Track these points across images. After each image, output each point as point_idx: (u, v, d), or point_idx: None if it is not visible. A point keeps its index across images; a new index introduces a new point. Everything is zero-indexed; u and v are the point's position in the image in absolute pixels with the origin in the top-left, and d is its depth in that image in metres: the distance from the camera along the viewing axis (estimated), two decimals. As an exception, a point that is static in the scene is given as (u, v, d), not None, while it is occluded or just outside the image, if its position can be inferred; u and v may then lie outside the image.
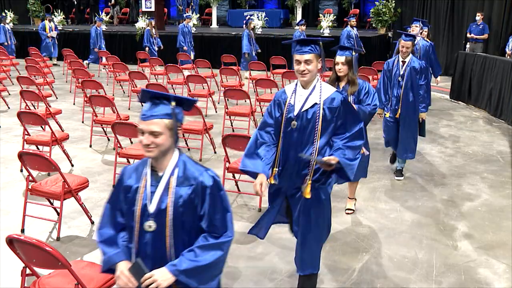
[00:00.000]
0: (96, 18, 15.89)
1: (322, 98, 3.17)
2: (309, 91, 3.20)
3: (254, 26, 13.74)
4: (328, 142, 3.22)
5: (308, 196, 3.22)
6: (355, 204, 5.08)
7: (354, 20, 12.90)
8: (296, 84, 3.27)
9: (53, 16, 17.13)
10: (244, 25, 13.67)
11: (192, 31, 15.41)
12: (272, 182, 3.31)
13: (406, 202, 5.32)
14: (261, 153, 3.23)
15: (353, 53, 4.37)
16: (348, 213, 4.95)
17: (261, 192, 3.16)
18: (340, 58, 4.31)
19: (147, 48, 13.90)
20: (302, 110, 3.18)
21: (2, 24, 15.90)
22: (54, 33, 15.78)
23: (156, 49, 14.15)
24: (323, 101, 3.16)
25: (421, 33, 8.70)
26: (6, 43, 15.60)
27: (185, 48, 13.75)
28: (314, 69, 3.13)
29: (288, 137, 3.24)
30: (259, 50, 13.41)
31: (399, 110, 5.69)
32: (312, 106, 3.17)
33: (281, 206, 3.44)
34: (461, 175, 6.16)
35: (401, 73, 5.64)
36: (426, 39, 8.69)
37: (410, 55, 5.67)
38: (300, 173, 3.26)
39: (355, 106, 4.09)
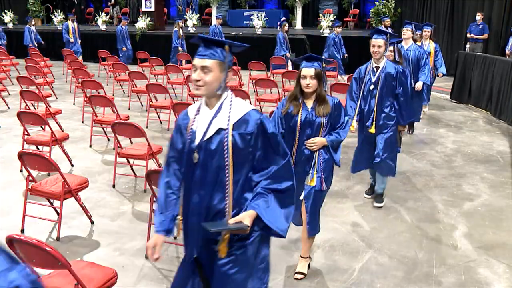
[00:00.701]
0: (122, 17, 15.44)
1: (231, 121, 2.35)
2: (214, 111, 2.38)
3: (288, 29, 13.23)
4: (247, 183, 2.41)
5: (223, 255, 2.36)
6: (308, 266, 3.90)
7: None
8: (201, 103, 2.46)
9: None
10: (278, 27, 13.19)
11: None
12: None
13: (406, 202, 5.32)
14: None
15: (323, 65, 3.58)
16: (297, 278, 3.79)
17: (152, 258, 2.45)
18: (308, 71, 3.50)
19: (180, 49, 13.69)
20: (204, 138, 2.36)
21: (27, 26, 15.66)
22: (78, 38, 15.44)
23: (182, 50, 13.89)
24: (233, 125, 2.35)
25: (421, 35, 8.52)
26: (30, 45, 15.36)
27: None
28: (213, 80, 2.31)
29: (189, 177, 2.42)
30: (288, 54, 12.80)
31: (374, 124, 4.92)
32: (218, 133, 2.35)
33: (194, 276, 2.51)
34: (461, 175, 6.16)
35: (374, 80, 4.84)
36: (430, 41, 8.59)
37: (385, 59, 4.88)
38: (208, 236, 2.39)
39: (325, 140, 3.60)
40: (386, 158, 4.96)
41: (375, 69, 4.87)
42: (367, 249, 4.28)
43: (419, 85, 7.20)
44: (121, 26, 14.55)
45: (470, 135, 8.01)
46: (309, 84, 3.52)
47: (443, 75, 8.80)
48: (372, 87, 4.85)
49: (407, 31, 7.17)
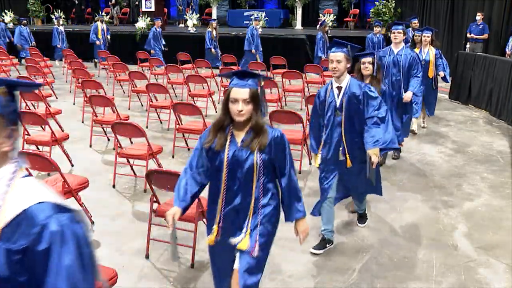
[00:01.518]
0: (154, 18, 15.20)
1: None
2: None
3: (328, 29, 12.97)
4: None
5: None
6: None
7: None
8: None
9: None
10: (318, 27, 12.90)
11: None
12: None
13: (406, 202, 5.32)
14: None
15: (261, 83, 2.68)
16: None
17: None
18: (239, 92, 2.57)
19: (212, 50, 13.42)
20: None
21: (55, 26, 15.53)
22: (107, 40, 15.31)
23: (219, 52, 13.63)
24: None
25: (420, 40, 7.75)
26: (58, 45, 15.24)
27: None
28: None
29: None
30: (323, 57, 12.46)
31: (347, 156, 4.05)
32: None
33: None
34: (461, 175, 6.16)
35: (338, 104, 3.99)
36: (430, 46, 7.75)
37: (348, 76, 3.98)
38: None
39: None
40: (368, 191, 4.51)
41: (336, 90, 3.99)
42: (367, 249, 4.28)
43: (407, 96, 6.13)
44: (155, 28, 14.20)
45: (470, 135, 8.01)
46: (241, 110, 2.56)
47: (443, 78, 8.08)
48: (337, 113, 3.99)
49: (398, 34, 6.20)
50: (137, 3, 19.32)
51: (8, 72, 12.41)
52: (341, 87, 3.95)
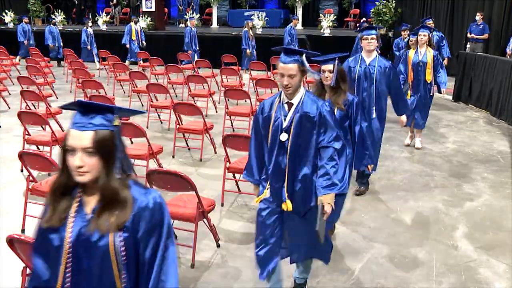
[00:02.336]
0: (188, 17, 15.16)
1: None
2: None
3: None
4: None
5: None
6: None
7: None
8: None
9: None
10: (358, 30, 11.94)
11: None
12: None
13: (407, 202, 5.32)
14: None
15: (115, 122, 1.77)
16: None
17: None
18: (78, 137, 1.69)
19: (248, 51, 13.20)
20: None
21: (84, 28, 15.37)
22: (142, 42, 15.08)
23: (255, 52, 13.43)
24: None
25: (416, 40, 7.04)
26: (88, 47, 15.12)
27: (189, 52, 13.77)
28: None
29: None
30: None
31: (287, 195, 3.09)
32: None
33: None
34: (461, 175, 6.15)
35: (285, 124, 3.04)
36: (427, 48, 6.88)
37: (302, 91, 3.06)
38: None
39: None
40: (311, 253, 3.37)
41: (285, 107, 3.08)
42: (368, 249, 4.28)
43: (403, 119, 5.51)
44: (191, 28, 14.03)
45: (471, 135, 8.01)
46: (80, 166, 1.68)
47: (439, 88, 6.99)
48: (282, 136, 3.03)
49: (372, 40, 5.04)
50: (138, 3, 19.27)
51: (9, 72, 12.42)
52: (292, 104, 3.05)
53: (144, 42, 15.25)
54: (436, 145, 7.45)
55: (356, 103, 3.90)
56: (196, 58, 13.69)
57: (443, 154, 7.00)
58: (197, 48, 14.20)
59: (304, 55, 3.00)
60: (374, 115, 5.09)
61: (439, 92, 7.13)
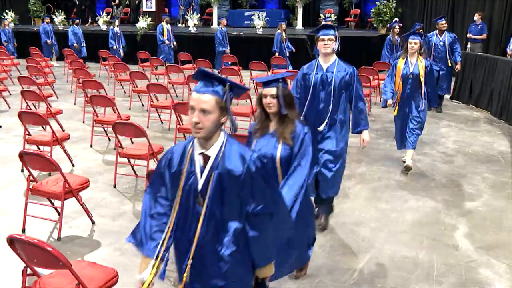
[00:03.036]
0: (220, 17, 14.72)
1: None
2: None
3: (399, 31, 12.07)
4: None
5: None
6: None
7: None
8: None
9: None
10: (389, 30, 11.81)
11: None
12: None
13: (407, 202, 5.32)
14: None
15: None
16: None
17: None
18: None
19: (276, 54, 12.69)
20: None
21: (111, 27, 15.14)
22: (173, 41, 14.57)
23: (288, 54, 12.86)
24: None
25: (405, 48, 6.13)
26: (114, 47, 14.84)
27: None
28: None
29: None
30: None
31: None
32: None
33: None
34: (462, 175, 6.15)
35: (200, 185, 2.27)
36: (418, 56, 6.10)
37: (223, 135, 2.29)
38: None
39: None
40: None
41: (199, 160, 2.27)
42: (368, 249, 4.28)
43: (364, 138, 4.50)
44: (221, 28, 13.93)
45: (471, 135, 8.01)
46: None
47: (433, 103, 6.38)
48: (197, 200, 2.29)
49: (329, 42, 4.20)
50: (137, 2, 19.26)
51: (9, 72, 12.42)
52: (208, 156, 2.24)
53: (175, 43, 14.65)
54: (437, 145, 7.45)
55: (304, 139, 3.10)
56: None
57: (443, 154, 7.00)
58: (228, 48, 13.97)
59: (228, 85, 2.23)
60: (325, 130, 4.31)
61: (429, 108, 6.60)
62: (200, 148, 2.27)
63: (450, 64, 9.47)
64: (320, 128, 4.27)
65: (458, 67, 9.51)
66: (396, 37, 11.34)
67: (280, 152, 3.08)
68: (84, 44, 15.73)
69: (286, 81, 3.18)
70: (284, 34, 12.94)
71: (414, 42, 5.97)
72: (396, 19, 12.70)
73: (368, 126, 4.47)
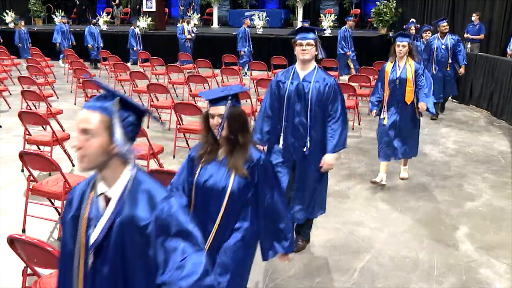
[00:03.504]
0: (243, 17, 14.78)
1: None
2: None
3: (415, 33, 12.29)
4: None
5: None
6: None
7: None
8: None
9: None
10: (411, 31, 10.72)
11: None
12: None
13: (407, 202, 5.32)
14: None
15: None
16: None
17: None
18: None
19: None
20: None
21: (132, 28, 15.08)
22: (192, 36, 14.77)
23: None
24: None
25: (393, 50, 5.51)
26: (135, 48, 14.81)
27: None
28: None
29: None
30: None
31: None
32: None
33: None
34: (462, 175, 6.15)
35: (93, 240, 1.72)
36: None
37: (129, 170, 1.76)
38: None
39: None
40: None
41: (101, 204, 1.76)
42: (368, 249, 4.28)
43: (328, 163, 3.86)
44: (244, 28, 13.91)
45: (471, 135, 8.01)
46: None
47: (427, 110, 5.51)
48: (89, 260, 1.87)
49: (307, 47, 3.74)
50: (138, 7, 19.23)
51: (9, 72, 12.42)
52: (109, 199, 1.73)
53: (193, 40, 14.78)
54: (437, 145, 7.45)
55: (264, 167, 2.61)
56: (251, 60, 13.40)
57: (443, 154, 7.00)
58: (251, 49, 13.94)
59: (118, 99, 1.69)
60: (307, 148, 3.81)
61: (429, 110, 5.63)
62: (103, 186, 1.73)
63: (451, 68, 8.95)
64: (304, 149, 3.81)
65: (461, 70, 8.93)
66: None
67: (232, 185, 2.55)
68: (102, 45, 15.38)
69: (238, 98, 2.61)
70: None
71: (402, 45, 5.34)
72: (412, 19, 12.42)
73: (338, 149, 3.80)
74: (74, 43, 15.74)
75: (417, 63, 5.47)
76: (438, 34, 8.93)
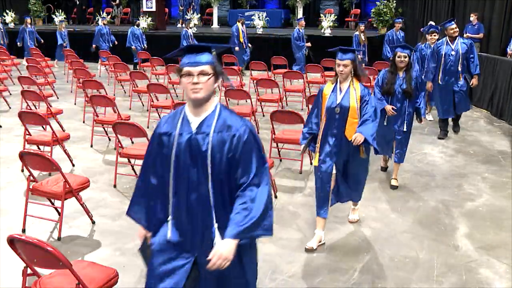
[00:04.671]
0: (299, 19, 14.14)
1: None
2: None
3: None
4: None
5: None
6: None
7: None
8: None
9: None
10: (428, 33, 9.06)
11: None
12: None
13: (407, 202, 5.32)
14: None
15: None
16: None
17: None
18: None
19: (359, 57, 11.93)
20: None
21: (185, 29, 14.35)
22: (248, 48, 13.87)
23: (362, 58, 12.34)
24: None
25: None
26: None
27: None
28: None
29: None
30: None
31: None
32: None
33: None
34: (462, 175, 6.15)
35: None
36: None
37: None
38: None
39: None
40: None
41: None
42: (368, 249, 4.28)
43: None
44: (299, 29, 13.21)
45: (471, 135, 8.00)
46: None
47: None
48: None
49: (201, 78, 2.32)
50: (139, 11, 19.21)
51: (9, 72, 12.42)
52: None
53: (250, 45, 13.86)
54: (437, 145, 7.44)
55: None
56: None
57: (443, 154, 7.00)
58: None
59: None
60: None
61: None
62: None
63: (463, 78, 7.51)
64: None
65: (474, 81, 7.56)
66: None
67: None
68: (145, 46, 14.85)
69: None
70: (362, 36, 12.56)
71: (343, 64, 4.05)
72: (431, 22, 12.31)
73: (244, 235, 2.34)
74: (116, 42, 15.29)
75: (364, 87, 4.16)
76: (446, 38, 7.58)
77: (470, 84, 7.58)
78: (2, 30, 16.40)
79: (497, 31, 12.88)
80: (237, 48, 13.33)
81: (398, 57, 5.41)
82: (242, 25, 13.65)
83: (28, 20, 16.00)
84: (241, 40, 13.53)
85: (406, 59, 5.38)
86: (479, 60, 7.67)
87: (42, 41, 15.90)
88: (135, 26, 15.03)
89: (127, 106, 9.69)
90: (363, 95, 4.10)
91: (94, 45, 14.98)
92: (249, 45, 13.86)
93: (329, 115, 4.13)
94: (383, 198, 5.42)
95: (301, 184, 5.80)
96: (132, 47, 14.56)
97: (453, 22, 7.67)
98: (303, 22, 13.35)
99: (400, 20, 12.88)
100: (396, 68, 5.48)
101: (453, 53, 7.43)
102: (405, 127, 5.55)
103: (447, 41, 7.56)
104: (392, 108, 5.48)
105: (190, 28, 14.66)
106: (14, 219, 4.75)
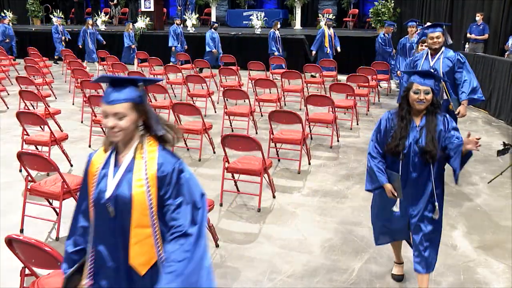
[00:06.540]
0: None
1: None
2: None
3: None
4: None
5: None
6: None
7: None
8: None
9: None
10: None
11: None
12: None
13: (406, 202, 5.31)
14: None
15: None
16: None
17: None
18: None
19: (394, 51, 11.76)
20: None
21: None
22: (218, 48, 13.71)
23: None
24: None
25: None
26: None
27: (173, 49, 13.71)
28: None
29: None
30: None
31: None
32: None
33: None
34: (460, 175, 6.14)
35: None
36: None
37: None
38: None
39: None
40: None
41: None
42: (367, 249, 4.28)
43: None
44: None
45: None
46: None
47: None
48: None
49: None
50: (137, 11, 19.17)
51: (7, 72, 12.40)
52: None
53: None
54: (435, 145, 7.44)
55: None
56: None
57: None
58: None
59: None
60: None
61: None
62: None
63: (450, 107, 5.36)
64: None
65: (461, 110, 5.35)
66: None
67: None
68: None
69: None
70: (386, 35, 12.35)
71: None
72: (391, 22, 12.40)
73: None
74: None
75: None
76: (427, 50, 5.49)
77: (456, 113, 5.36)
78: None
79: (495, 31, 12.91)
80: (276, 53, 13.13)
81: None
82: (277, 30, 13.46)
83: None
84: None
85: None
86: (477, 60, 7.08)
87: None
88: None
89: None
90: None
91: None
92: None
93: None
94: (381, 198, 5.41)
95: (299, 184, 5.80)
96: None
97: (438, 28, 5.31)
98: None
99: (391, 24, 12.83)
100: (411, 110, 3.38)
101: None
102: (434, 212, 3.49)
103: (428, 53, 5.43)
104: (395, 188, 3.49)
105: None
106: (12, 219, 4.74)
